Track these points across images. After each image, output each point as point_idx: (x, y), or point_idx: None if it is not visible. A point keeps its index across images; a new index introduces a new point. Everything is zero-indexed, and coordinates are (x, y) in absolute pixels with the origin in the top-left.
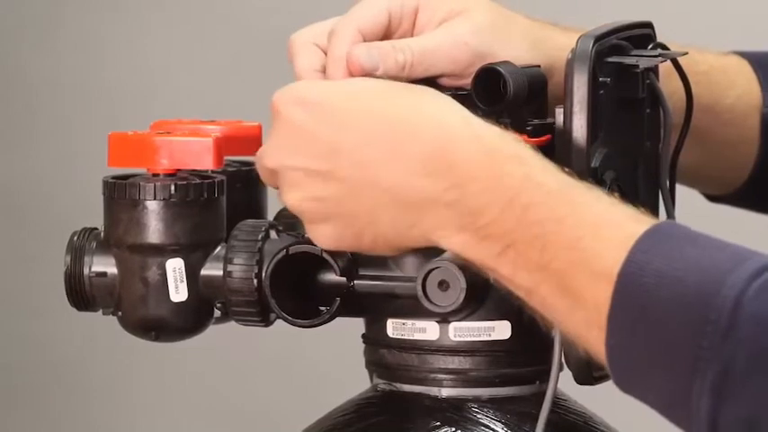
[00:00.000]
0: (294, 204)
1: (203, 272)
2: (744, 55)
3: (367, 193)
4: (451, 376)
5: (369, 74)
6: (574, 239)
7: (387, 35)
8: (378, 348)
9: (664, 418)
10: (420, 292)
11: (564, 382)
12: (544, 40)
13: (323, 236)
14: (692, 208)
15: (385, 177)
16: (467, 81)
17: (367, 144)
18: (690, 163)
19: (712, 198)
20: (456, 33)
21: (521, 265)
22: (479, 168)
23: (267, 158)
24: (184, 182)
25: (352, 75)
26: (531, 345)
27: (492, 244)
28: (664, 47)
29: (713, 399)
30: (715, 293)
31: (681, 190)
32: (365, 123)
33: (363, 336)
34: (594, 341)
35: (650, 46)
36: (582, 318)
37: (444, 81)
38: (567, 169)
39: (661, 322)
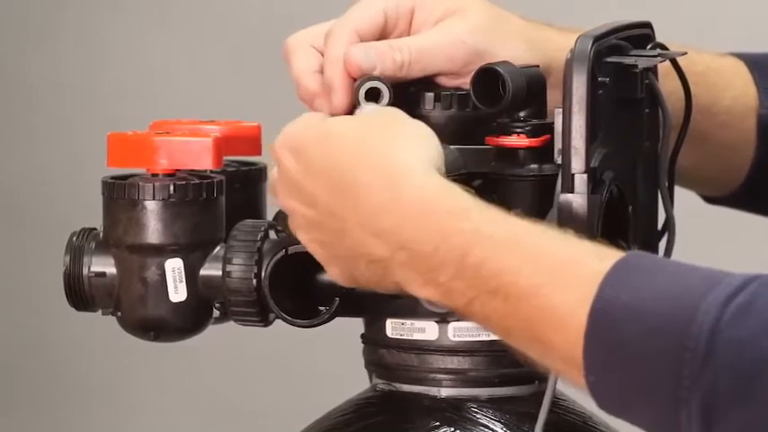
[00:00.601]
0: (305, 244)
1: (202, 272)
2: (740, 56)
3: (344, 240)
4: (451, 376)
5: (366, 74)
6: (534, 287)
7: (383, 36)
8: (377, 348)
9: None
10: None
11: (563, 382)
12: (541, 40)
13: (333, 276)
14: (691, 208)
15: (350, 230)
16: (465, 80)
17: (329, 193)
18: (687, 164)
19: (709, 199)
20: (453, 32)
21: (490, 314)
22: (423, 229)
23: (276, 200)
24: (183, 182)
25: (349, 75)
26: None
27: (457, 297)
28: (663, 47)
29: (703, 426)
30: (690, 320)
31: (679, 191)
32: (325, 171)
33: (362, 336)
34: (575, 379)
35: (649, 46)
36: (558, 359)
37: (442, 80)
38: (515, 211)
39: (638, 355)
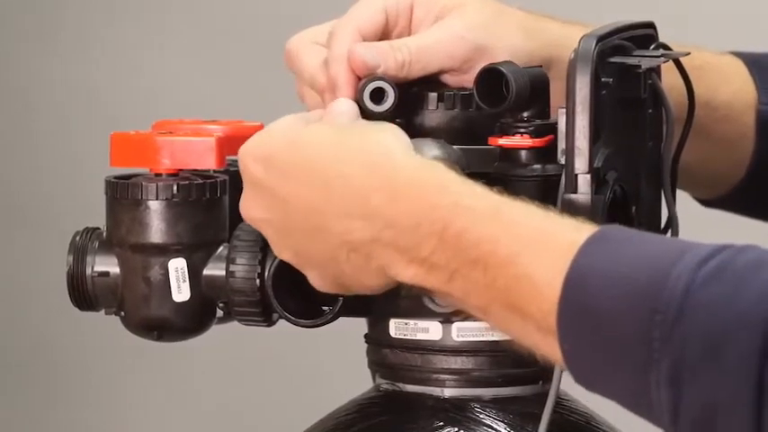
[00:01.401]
0: (282, 256)
1: (206, 272)
2: (738, 55)
3: (320, 237)
4: (454, 376)
5: (371, 71)
6: (511, 256)
7: (385, 34)
8: (380, 348)
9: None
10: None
11: (567, 383)
12: (540, 31)
13: (313, 283)
14: (692, 209)
15: (329, 221)
16: (467, 76)
17: (309, 191)
18: (687, 159)
19: (706, 202)
20: (452, 29)
21: (470, 288)
22: (407, 204)
23: (243, 215)
24: (187, 182)
25: (354, 72)
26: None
27: (439, 272)
28: (666, 47)
29: (671, 388)
30: (662, 285)
31: (680, 193)
32: (304, 172)
33: (366, 336)
34: (550, 349)
35: (652, 46)
36: (533, 329)
37: (445, 78)
38: (496, 188)
39: (611, 321)
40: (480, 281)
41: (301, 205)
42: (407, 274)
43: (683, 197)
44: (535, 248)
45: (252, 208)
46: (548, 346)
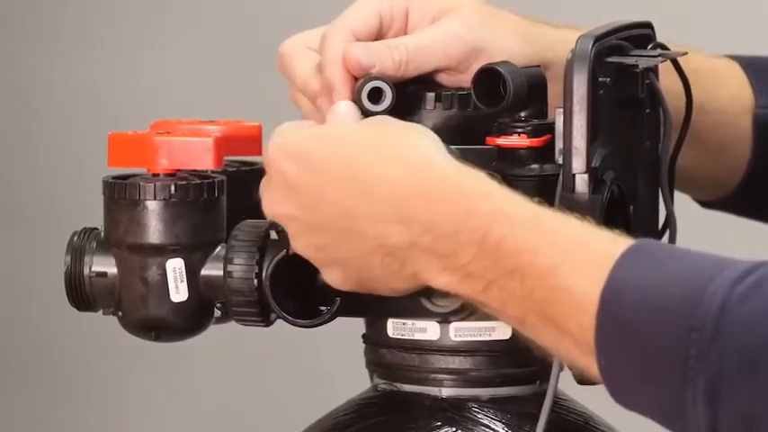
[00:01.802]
0: (301, 251)
1: (203, 272)
2: (734, 58)
3: (354, 239)
4: (452, 376)
5: (366, 71)
6: (550, 267)
7: (379, 38)
8: (378, 348)
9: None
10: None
11: (564, 382)
12: (536, 35)
13: (332, 280)
14: (692, 209)
15: (365, 224)
16: (463, 76)
17: (343, 192)
18: (684, 164)
19: (705, 204)
20: (448, 28)
21: (507, 298)
22: (447, 210)
23: (266, 210)
24: (184, 182)
25: (349, 72)
26: (532, 344)
27: (475, 281)
28: (663, 47)
29: (708, 405)
30: (698, 302)
31: (679, 193)
32: (339, 171)
33: (364, 336)
34: (587, 363)
35: (650, 46)
36: (571, 342)
37: (441, 77)
38: (536, 199)
39: (648, 336)
40: (517, 291)
41: (335, 205)
42: (441, 281)
43: (682, 197)
44: (573, 260)
45: (279, 203)
46: (585, 361)
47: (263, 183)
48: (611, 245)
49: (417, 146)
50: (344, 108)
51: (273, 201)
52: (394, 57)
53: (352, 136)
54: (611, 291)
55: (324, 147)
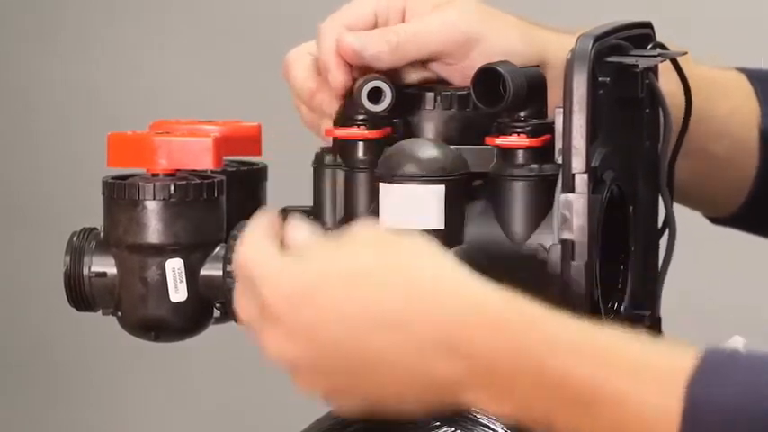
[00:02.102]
0: (310, 389)
1: (203, 272)
2: (742, 70)
3: (372, 378)
4: None
5: (360, 57)
6: (617, 392)
7: None
8: None
9: None
10: None
11: None
12: (533, 36)
13: (348, 410)
14: (690, 209)
15: (401, 361)
16: (460, 65)
17: (374, 337)
18: (687, 178)
19: (714, 220)
20: (446, 16)
21: (576, 424)
22: (499, 343)
23: (270, 354)
24: (184, 182)
25: (344, 59)
26: None
27: (534, 413)
28: (663, 47)
29: None
30: None
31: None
32: (366, 315)
33: None
34: None
35: (650, 46)
36: None
37: (438, 67)
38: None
39: None
40: (586, 420)
41: (354, 348)
42: (496, 412)
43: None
44: (641, 382)
45: (289, 351)
46: None
47: (243, 303)
48: (675, 359)
49: (445, 275)
50: (301, 234)
51: (278, 347)
52: (390, 39)
53: (376, 272)
54: (689, 411)
55: (332, 286)
